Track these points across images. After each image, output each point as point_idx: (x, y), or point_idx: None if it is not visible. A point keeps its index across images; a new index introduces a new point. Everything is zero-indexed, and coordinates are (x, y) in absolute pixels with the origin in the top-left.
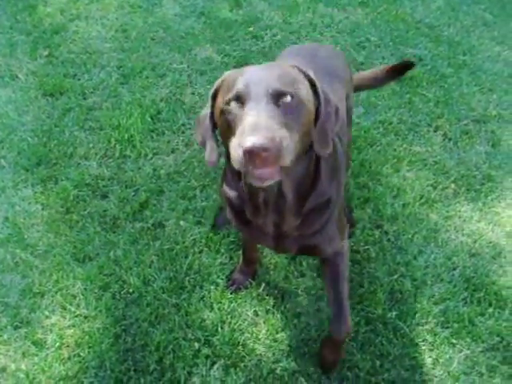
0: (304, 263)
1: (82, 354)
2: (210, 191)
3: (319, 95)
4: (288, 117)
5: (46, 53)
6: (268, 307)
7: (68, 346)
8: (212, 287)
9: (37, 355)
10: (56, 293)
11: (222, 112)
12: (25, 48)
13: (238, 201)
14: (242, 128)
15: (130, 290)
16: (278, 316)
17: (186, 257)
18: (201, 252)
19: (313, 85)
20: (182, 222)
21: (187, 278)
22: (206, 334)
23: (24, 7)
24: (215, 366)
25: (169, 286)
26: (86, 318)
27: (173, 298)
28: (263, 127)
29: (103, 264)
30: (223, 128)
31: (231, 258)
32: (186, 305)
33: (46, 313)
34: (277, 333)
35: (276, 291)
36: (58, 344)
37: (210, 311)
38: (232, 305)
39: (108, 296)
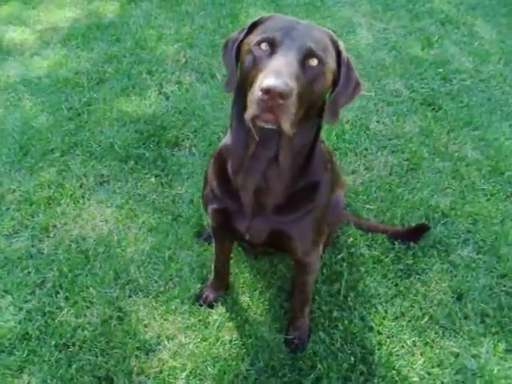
0: None
1: (241, 340)
2: (380, 214)
3: (341, 68)
4: (308, 78)
5: None
6: (427, 340)
7: (229, 330)
8: (373, 310)
9: (200, 332)
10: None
11: (250, 51)
12: None
13: (227, 155)
14: (265, 72)
15: None
16: (436, 351)
17: (350, 274)
18: (367, 272)
19: (339, 55)
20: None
21: (349, 297)
22: (364, 351)
23: (227, 14)
24: None
25: (333, 300)
26: (248, 306)
27: (334, 312)
28: (286, 75)
29: None
30: (244, 65)
31: (396, 285)
32: (346, 322)
33: None
34: (432, 367)
35: (437, 326)
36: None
37: (370, 331)
38: (392, 330)
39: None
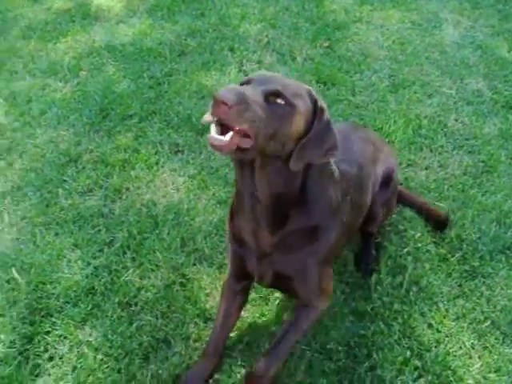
0: None
1: None
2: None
3: (315, 122)
4: (274, 113)
5: (326, 44)
6: (487, 344)
7: (288, 309)
8: (434, 307)
9: (260, 307)
10: None
11: None
12: (307, 35)
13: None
14: None
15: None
16: (495, 357)
17: (415, 269)
18: (431, 269)
19: (315, 111)
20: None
21: (411, 291)
22: (421, 347)
23: None
24: (421, 380)
25: (395, 292)
26: None
27: (394, 304)
28: (239, 91)
29: None
30: None
31: (460, 286)
32: (406, 315)
33: None
34: (489, 372)
35: (498, 332)
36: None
37: (429, 328)
38: (451, 330)
39: None
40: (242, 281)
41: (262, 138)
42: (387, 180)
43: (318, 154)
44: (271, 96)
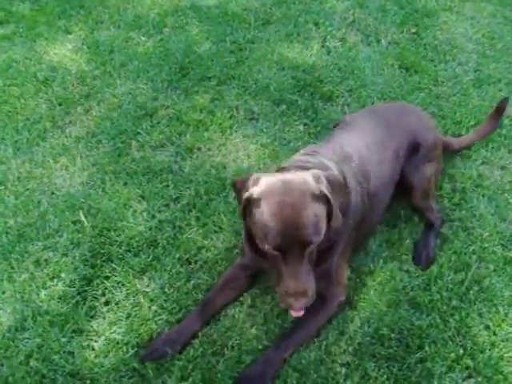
0: None
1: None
2: None
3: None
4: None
5: (413, 30)
6: None
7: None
8: (493, 310)
9: None
10: None
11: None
12: (395, 19)
13: None
14: (283, 280)
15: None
16: None
17: (478, 268)
18: (495, 271)
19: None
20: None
21: (472, 290)
22: (474, 347)
23: None
24: (471, 380)
25: (454, 289)
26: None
27: (453, 301)
28: (300, 291)
29: None
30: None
31: None
32: (463, 313)
33: None
34: None
35: None
36: None
37: (485, 329)
38: (509, 335)
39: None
40: (254, 270)
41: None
42: (414, 147)
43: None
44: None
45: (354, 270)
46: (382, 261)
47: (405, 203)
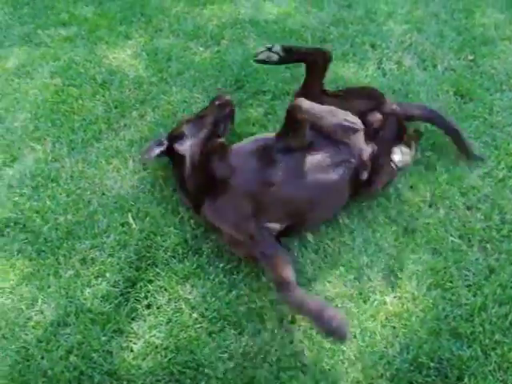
0: None
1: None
2: None
3: None
4: None
5: (470, 57)
6: None
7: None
8: None
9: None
10: None
11: None
12: (452, 45)
13: None
14: None
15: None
16: None
17: None
18: None
19: None
20: None
21: None
22: None
23: (463, 8)
24: None
25: (498, 322)
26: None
27: (496, 334)
28: None
29: None
30: None
31: None
32: (506, 348)
33: None
34: None
35: None
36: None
37: None
38: None
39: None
40: None
41: None
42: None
43: None
44: None
45: (396, 297)
46: (425, 288)
47: (452, 231)
